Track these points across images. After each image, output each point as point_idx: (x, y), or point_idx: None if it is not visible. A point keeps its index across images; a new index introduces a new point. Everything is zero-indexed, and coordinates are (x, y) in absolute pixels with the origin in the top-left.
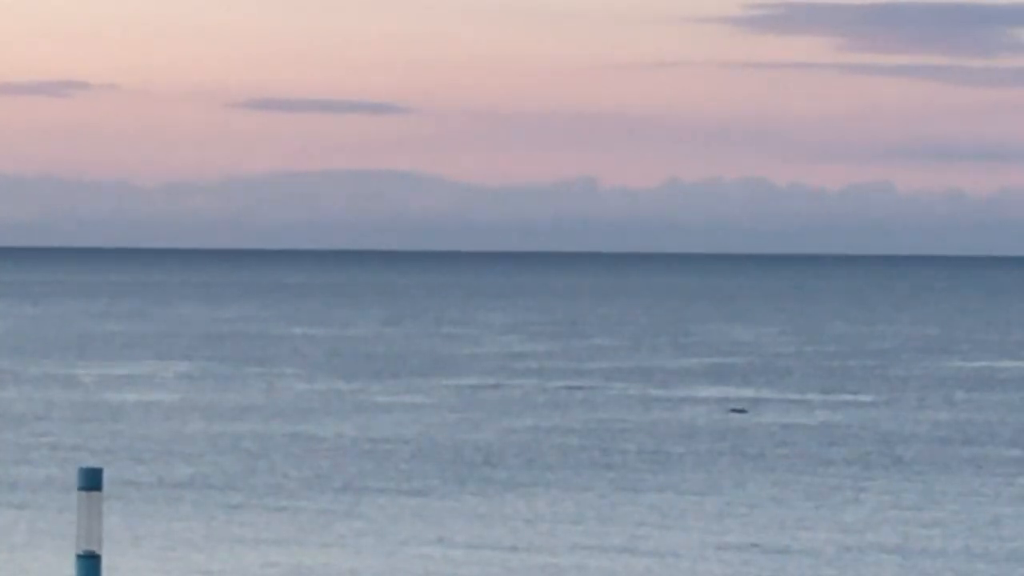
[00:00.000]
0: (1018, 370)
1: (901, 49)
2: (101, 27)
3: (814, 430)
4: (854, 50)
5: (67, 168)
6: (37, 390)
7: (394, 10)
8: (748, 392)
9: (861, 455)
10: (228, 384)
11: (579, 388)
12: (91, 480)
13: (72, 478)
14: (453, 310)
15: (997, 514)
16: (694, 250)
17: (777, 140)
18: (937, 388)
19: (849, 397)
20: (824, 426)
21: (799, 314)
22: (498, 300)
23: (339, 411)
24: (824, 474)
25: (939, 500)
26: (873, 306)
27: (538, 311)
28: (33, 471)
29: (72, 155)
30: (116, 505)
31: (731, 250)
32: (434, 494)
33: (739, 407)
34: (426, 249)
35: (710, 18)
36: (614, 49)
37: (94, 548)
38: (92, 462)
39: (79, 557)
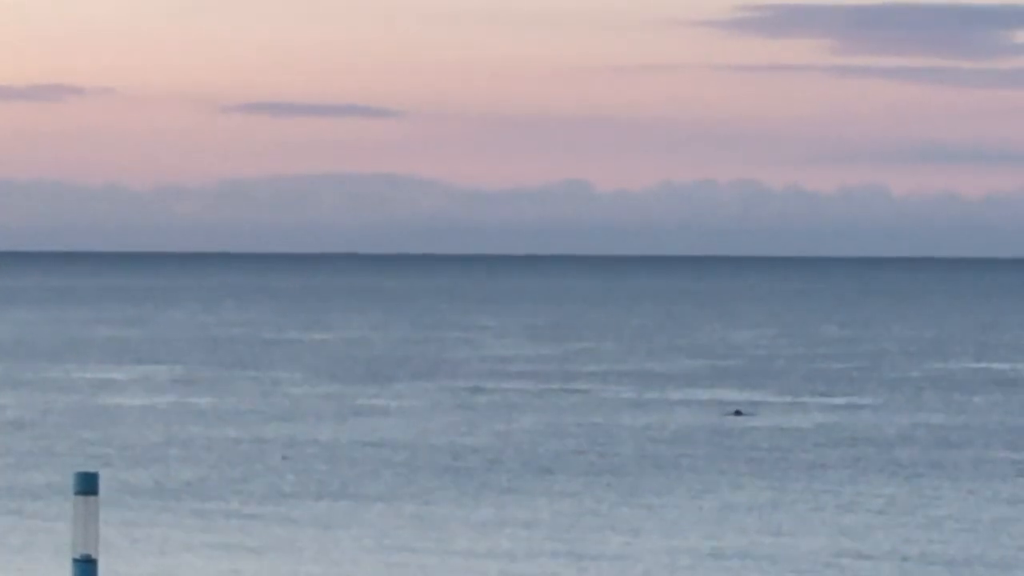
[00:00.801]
0: (1013, 372)
1: (894, 51)
2: (95, 32)
3: (810, 433)
4: (847, 53)
5: (60, 172)
6: (31, 394)
7: (387, 15)
8: (743, 395)
9: (857, 458)
10: (223, 388)
11: (575, 391)
12: (87, 484)
13: (68, 482)
14: (448, 313)
15: (994, 517)
16: (688, 252)
17: (770, 143)
18: (932, 390)
19: (844, 400)
20: (820, 428)
21: (794, 316)
22: (493, 303)
23: (334, 415)
24: (820, 477)
25: (936, 503)
26: (867, 308)
27: (533, 314)
28: (29, 476)
29: (65, 159)
30: (112, 509)
31: (725, 252)
32: (431, 499)
33: (738, 410)
34: (420, 252)
35: (703, 21)
36: (607, 52)
37: (90, 552)
38: (88, 466)
39: (75, 561)
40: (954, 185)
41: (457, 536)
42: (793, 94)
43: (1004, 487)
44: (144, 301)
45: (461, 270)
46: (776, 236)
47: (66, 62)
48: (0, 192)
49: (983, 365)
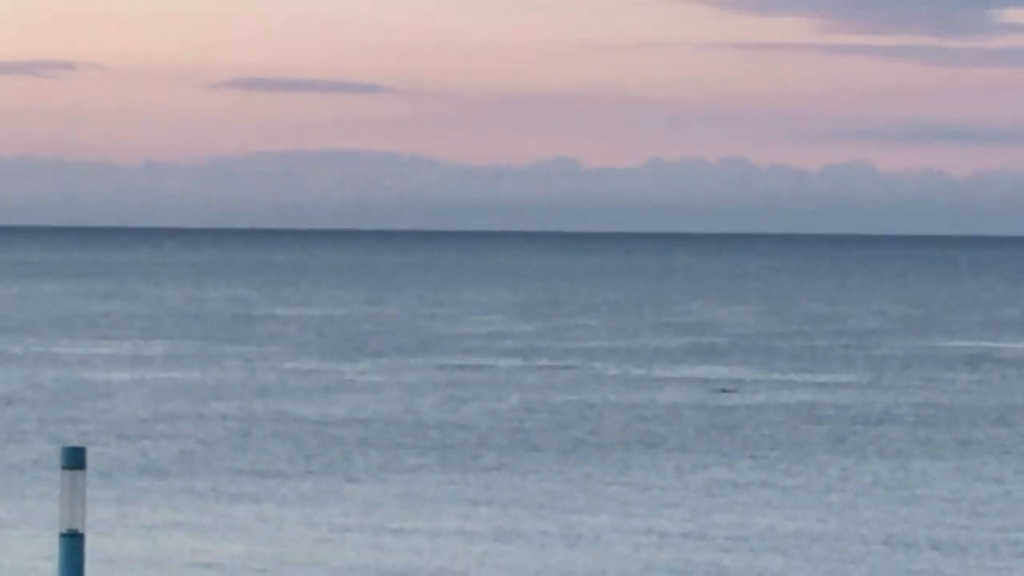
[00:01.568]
0: (999, 350)
1: (882, 30)
2: (87, 7)
3: (795, 410)
4: (835, 31)
5: (50, 148)
6: (18, 369)
7: None
8: (730, 372)
9: (842, 436)
10: (211, 364)
11: (563, 368)
12: (74, 459)
13: (55, 457)
14: (437, 290)
15: (979, 495)
16: (676, 229)
17: (758, 120)
18: (918, 368)
19: (830, 378)
20: (806, 406)
21: (780, 294)
22: (481, 280)
23: (323, 391)
24: (806, 455)
25: (921, 481)
26: (854, 286)
27: (521, 291)
28: (16, 450)
29: (56, 135)
30: (99, 485)
31: (713, 230)
32: (419, 476)
33: (728, 387)
34: (409, 229)
35: None
36: (597, 29)
37: (77, 527)
38: (75, 441)
39: (62, 536)
40: (940, 163)
41: (444, 514)
42: (781, 72)
43: (988, 465)
44: (132, 276)
45: (449, 246)
46: (763, 213)
47: (57, 38)
48: None
49: (969, 343)
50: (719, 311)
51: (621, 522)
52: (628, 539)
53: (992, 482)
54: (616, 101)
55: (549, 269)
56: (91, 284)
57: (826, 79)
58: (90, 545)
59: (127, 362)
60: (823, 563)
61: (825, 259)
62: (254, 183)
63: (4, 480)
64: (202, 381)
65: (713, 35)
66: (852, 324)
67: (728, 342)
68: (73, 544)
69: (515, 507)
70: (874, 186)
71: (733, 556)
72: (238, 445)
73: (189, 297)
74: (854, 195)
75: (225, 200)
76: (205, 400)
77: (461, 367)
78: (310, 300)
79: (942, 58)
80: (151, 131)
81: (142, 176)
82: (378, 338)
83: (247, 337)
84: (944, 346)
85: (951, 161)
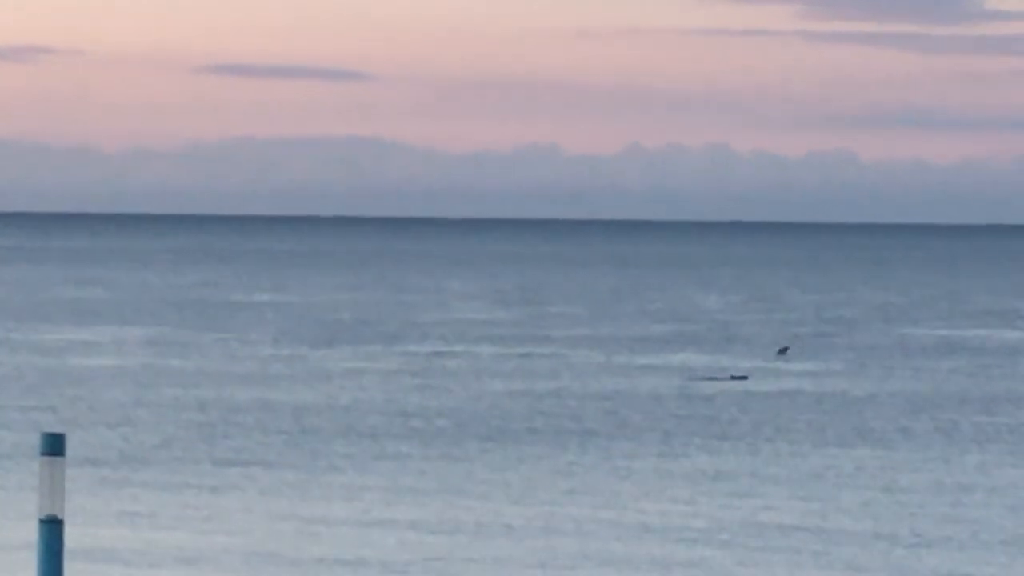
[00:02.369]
0: (980, 339)
1: (865, 17)
2: None
3: (778, 398)
4: (817, 18)
5: (29, 133)
6: None
7: None
8: (711, 360)
9: (825, 423)
10: (192, 350)
11: (543, 355)
12: (54, 445)
13: (35, 443)
14: (416, 277)
15: (962, 480)
16: (656, 217)
17: (739, 107)
18: (901, 356)
19: (813, 365)
20: (788, 394)
21: (762, 282)
22: (461, 267)
23: (304, 378)
24: (789, 443)
25: (904, 468)
26: (836, 274)
27: (501, 278)
28: None
29: (35, 120)
30: (79, 471)
31: (693, 217)
32: (402, 464)
33: (736, 374)
34: (389, 215)
35: None
36: (578, 16)
37: (56, 513)
38: (55, 427)
39: (41, 522)
40: (924, 151)
41: (426, 503)
42: (763, 59)
43: (971, 453)
44: (112, 263)
45: (429, 233)
46: (745, 201)
47: (37, 23)
48: None
49: (951, 332)
50: (700, 299)
51: (603, 511)
52: (610, 528)
53: (974, 470)
54: (596, 88)
55: (529, 256)
56: (71, 270)
57: (808, 66)
58: (69, 530)
59: (107, 348)
60: (806, 551)
61: (806, 247)
62: (235, 169)
63: None
64: (182, 368)
65: (694, 22)
66: (834, 312)
67: (709, 329)
68: (52, 530)
69: (497, 496)
70: (856, 174)
71: (715, 544)
72: (219, 433)
73: (169, 283)
74: (836, 183)
75: (205, 186)
76: (185, 387)
77: (441, 354)
78: (290, 287)
79: (925, 45)
80: (131, 117)
81: (122, 162)
82: (359, 325)
83: (227, 324)
84: (927, 334)
85: (934, 149)
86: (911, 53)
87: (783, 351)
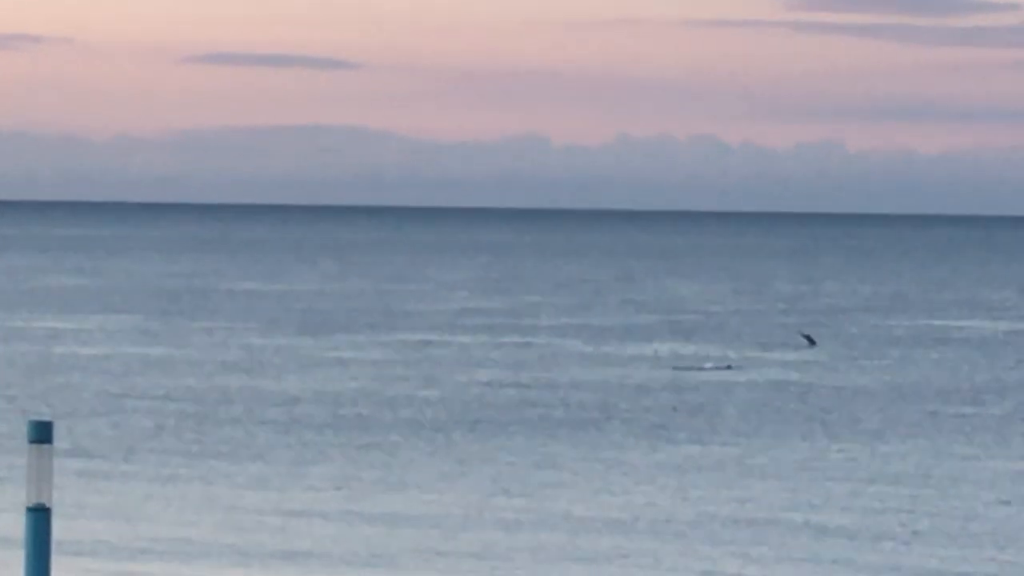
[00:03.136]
0: (968, 329)
1: (853, 8)
2: None
3: (767, 388)
4: (806, 8)
5: (17, 121)
6: None
7: None
8: (699, 350)
9: (812, 413)
10: (180, 339)
11: (531, 345)
12: (41, 433)
13: (22, 431)
14: (404, 266)
15: (948, 472)
16: (644, 207)
17: (728, 98)
18: (889, 347)
19: (799, 356)
20: (776, 384)
21: (750, 272)
22: (449, 256)
23: (292, 367)
24: (777, 433)
25: (891, 458)
26: (823, 264)
27: (489, 267)
28: None
29: (22, 109)
30: (67, 458)
31: (681, 207)
32: (389, 454)
33: (724, 364)
34: (377, 204)
35: None
36: (566, 6)
37: (44, 501)
38: (42, 415)
39: (29, 510)
40: (910, 142)
41: (413, 493)
42: (750, 50)
43: (957, 443)
44: (101, 251)
45: (417, 223)
46: (733, 191)
47: (25, 11)
48: None
49: (939, 322)
50: (688, 289)
51: (589, 501)
52: (596, 518)
53: (961, 460)
54: (584, 78)
55: (517, 246)
56: (59, 259)
57: (796, 57)
58: (57, 518)
59: (94, 337)
60: (795, 541)
61: (793, 237)
62: (223, 158)
63: None
64: (170, 356)
65: (683, 13)
66: (823, 302)
67: (697, 320)
68: (40, 518)
69: (485, 486)
70: (843, 164)
71: (703, 534)
72: (207, 421)
73: (157, 272)
74: (823, 173)
75: (194, 175)
76: (174, 375)
77: (429, 343)
78: (279, 276)
79: (912, 36)
80: (120, 105)
81: (110, 150)
82: (346, 314)
83: (216, 312)
84: (914, 325)
85: (921, 140)
86: (899, 44)
87: (810, 341)
